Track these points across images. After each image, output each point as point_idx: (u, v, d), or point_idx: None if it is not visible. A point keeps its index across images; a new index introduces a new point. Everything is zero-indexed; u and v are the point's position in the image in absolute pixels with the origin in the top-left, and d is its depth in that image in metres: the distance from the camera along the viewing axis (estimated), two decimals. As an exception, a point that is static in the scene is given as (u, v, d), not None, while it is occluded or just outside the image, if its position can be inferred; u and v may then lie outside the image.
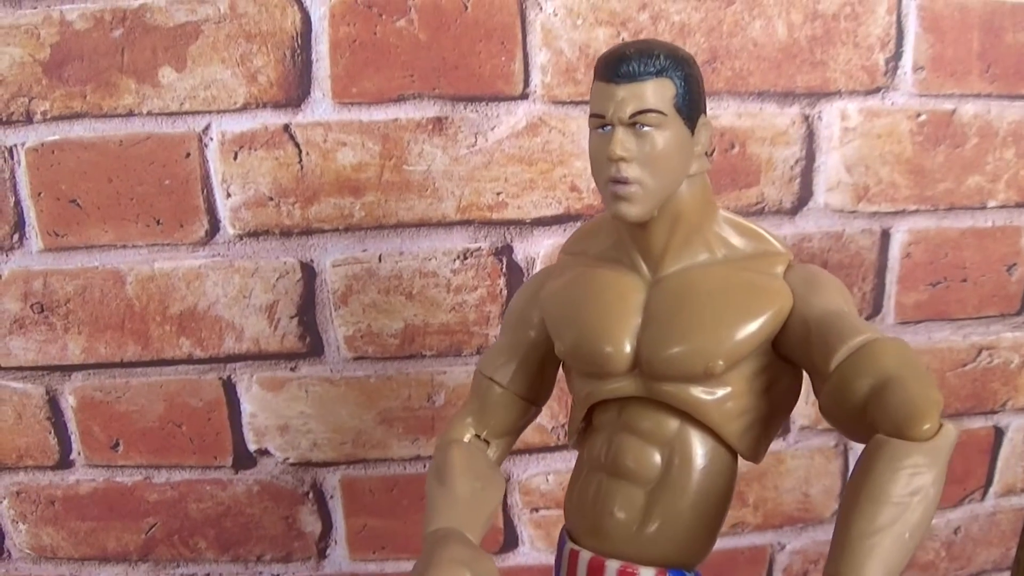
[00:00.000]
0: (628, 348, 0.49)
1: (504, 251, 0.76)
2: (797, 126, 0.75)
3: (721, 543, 0.86)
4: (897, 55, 0.75)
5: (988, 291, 0.81)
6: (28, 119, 0.72)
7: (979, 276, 0.81)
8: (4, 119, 0.72)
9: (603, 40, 0.72)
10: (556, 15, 0.71)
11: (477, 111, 0.73)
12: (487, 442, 0.55)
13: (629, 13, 0.72)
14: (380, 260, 0.76)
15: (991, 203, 0.79)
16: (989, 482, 0.88)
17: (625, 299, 0.50)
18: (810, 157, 0.76)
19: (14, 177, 0.73)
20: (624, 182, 0.46)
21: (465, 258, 0.76)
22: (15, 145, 0.72)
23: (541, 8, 0.71)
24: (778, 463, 0.84)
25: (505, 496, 0.82)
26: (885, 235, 0.79)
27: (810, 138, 0.76)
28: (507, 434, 0.56)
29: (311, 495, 0.82)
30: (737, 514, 0.85)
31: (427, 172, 0.74)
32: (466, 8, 0.71)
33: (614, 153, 0.45)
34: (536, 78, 0.72)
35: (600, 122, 0.47)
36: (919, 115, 0.76)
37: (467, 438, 0.55)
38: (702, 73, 0.48)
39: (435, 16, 0.71)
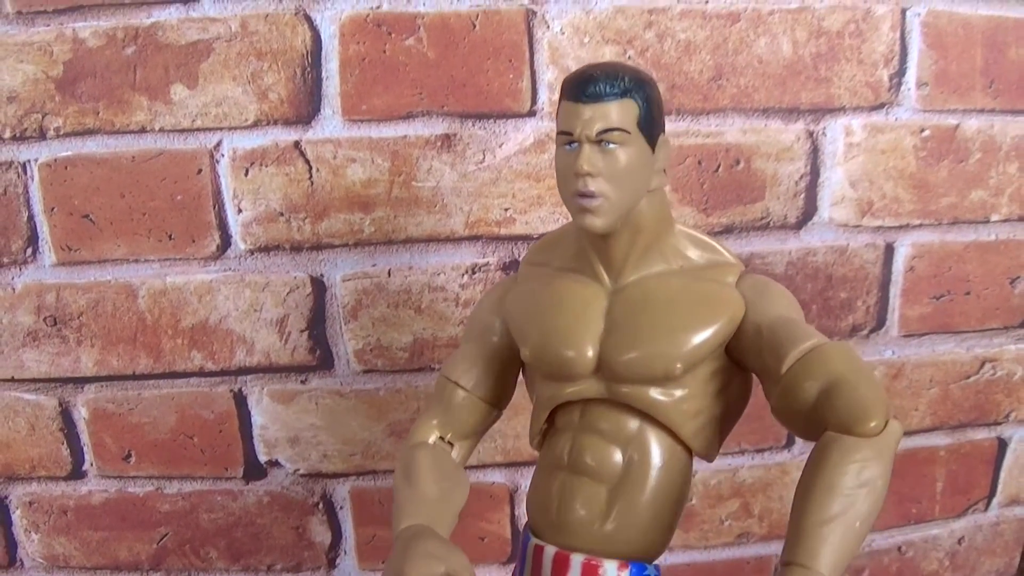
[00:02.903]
0: (591, 352, 0.51)
1: (512, 266, 0.77)
2: (802, 142, 0.76)
3: (726, 553, 0.87)
4: (901, 71, 0.75)
5: (991, 304, 0.82)
6: (41, 135, 0.73)
7: (982, 289, 0.81)
8: (18, 135, 0.72)
9: (610, 58, 0.72)
10: (563, 33, 0.72)
11: (485, 128, 0.74)
12: (451, 444, 0.57)
13: (635, 31, 0.72)
14: (389, 275, 0.77)
15: (994, 217, 0.80)
16: (992, 492, 0.88)
17: (588, 306, 0.52)
18: (814, 172, 0.77)
19: (27, 192, 0.74)
20: (590, 196, 0.48)
21: (473, 273, 0.77)
22: (28, 161, 0.73)
23: (548, 26, 0.72)
24: (783, 474, 0.85)
25: (513, 508, 0.83)
26: (889, 249, 0.79)
27: (814, 154, 0.76)
28: (470, 436, 0.58)
29: (321, 506, 0.83)
30: (742, 524, 0.86)
31: (436, 188, 0.75)
32: (474, 27, 0.72)
33: (581, 168, 0.48)
34: (543, 95, 0.73)
35: (568, 139, 0.49)
36: (923, 130, 0.77)
37: (432, 440, 0.56)
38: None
39: (444, 34, 0.71)
